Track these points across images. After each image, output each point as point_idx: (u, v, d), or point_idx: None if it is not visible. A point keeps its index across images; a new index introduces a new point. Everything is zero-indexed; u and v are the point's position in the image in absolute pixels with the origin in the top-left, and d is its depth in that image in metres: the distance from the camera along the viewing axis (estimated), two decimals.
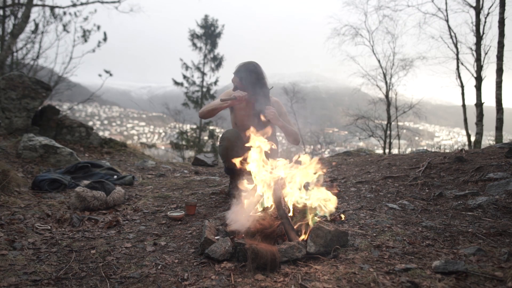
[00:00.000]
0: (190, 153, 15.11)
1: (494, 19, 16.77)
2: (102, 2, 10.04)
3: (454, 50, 10.70)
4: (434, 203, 2.62)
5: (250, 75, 2.64)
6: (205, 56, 16.50)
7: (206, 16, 16.57)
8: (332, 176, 3.81)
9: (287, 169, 2.02)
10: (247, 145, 2.11)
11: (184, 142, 15.75)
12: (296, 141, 2.74)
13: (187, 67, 16.53)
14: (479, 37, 9.28)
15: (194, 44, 16.44)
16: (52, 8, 10.05)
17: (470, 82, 10.88)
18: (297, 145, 2.86)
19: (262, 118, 2.57)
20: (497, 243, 1.77)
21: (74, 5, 10.07)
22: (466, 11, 10.95)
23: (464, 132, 10.20)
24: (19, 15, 9.26)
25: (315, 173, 1.98)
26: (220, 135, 2.92)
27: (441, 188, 2.92)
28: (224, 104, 2.61)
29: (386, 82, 15.26)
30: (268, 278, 1.45)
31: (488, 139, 10.00)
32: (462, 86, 10.62)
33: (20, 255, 1.71)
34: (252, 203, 2.04)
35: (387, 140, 14.91)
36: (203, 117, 2.76)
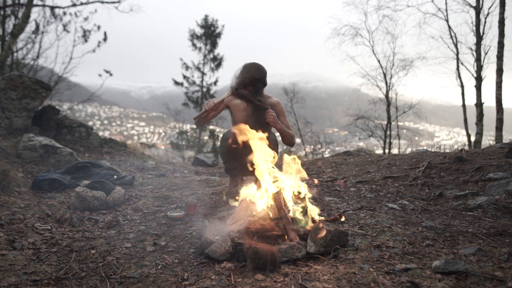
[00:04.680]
0: (190, 153, 15.10)
1: (494, 19, 16.78)
2: (102, 2, 10.03)
3: (454, 50, 10.71)
4: (434, 203, 2.62)
5: (252, 75, 2.67)
6: (205, 56, 16.50)
7: (206, 16, 16.56)
8: (332, 176, 3.81)
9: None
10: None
11: (184, 142, 15.75)
12: (291, 144, 2.82)
13: (187, 67, 16.52)
14: (479, 37, 9.28)
15: (194, 44, 16.43)
16: (52, 8, 10.05)
17: (470, 82, 10.89)
18: (291, 146, 2.93)
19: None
20: (497, 243, 1.77)
21: (74, 5, 10.07)
22: (466, 11, 10.99)
23: (464, 132, 10.21)
24: (19, 15, 9.25)
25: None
26: (221, 135, 2.94)
27: (441, 188, 2.91)
28: (198, 116, 2.76)
29: (386, 82, 15.26)
30: (268, 278, 1.45)
31: (488, 139, 10.00)
32: (462, 86, 10.62)
33: (20, 255, 1.71)
34: (252, 203, 2.04)
35: (387, 140, 14.90)
36: (196, 126, 2.97)
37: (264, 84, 2.77)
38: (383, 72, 15.26)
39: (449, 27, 10.79)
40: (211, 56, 16.54)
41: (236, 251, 1.63)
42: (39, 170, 3.97)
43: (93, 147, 5.83)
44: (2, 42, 9.36)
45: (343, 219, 2.19)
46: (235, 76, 2.80)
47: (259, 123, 2.64)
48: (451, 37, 10.74)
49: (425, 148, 8.13)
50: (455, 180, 3.06)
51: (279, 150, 3.09)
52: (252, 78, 2.68)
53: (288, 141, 2.78)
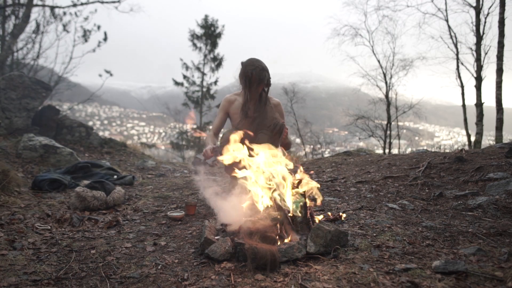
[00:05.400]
0: (190, 153, 15.10)
1: (494, 19, 16.77)
2: (102, 2, 10.03)
3: (454, 50, 10.71)
4: (434, 203, 2.62)
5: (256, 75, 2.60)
6: (205, 56, 16.50)
7: (206, 16, 16.56)
8: (332, 176, 3.81)
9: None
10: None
11: (184, 142, 15.75)
12: (287, 149, 2.83)
13: (187, 67, 16.53)
14: (479, 37, 9.28)
15: (194, 44, 16.44)
16: (52, 8, 10.04)
17: (470, 82, 10.89)
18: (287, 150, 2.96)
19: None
20: (497, 243, 1.77)
21: (74, 5, 10.06)
22: (466, 11, 10.96)
23: (464, 132, 10.20)
24: (20, 15, 9.25)
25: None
26: (221, 135, 2.92)
27: (441, 188, 2.92)
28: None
29: (386, 82, 15.26)
30: (268, 278, 1.45)
31: (488, 139, 10.00)
32: (462, 86, 10.62)
33: (20, 255, 1.71)
34: (252, 203, 2.04)
35: (387, 140, 14.90)
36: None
37: (265, 77, 2.64)
38: (383, 72, 15.26)
39: (449, 27, 10.79)
40: (211, 56, 16.54)
41: (236, 251, 1.63)
42: (39, 170, 3.97)
43: (93, 147, 5.84)
44: (2, 42, 9.36)
45: (343, 218, 2.19)
46: (239, 79, 2.71)
47: (261, 126, 2.65)
48: (451, 37, 10.75)
49: (425, 148, 8.13)
50: (455, 180, 3.06)
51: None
52: (258, 77, 2.57)
53: (285, 147, 2.82)
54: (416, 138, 19.16)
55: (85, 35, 10.44)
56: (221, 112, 2.81)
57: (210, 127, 16.26)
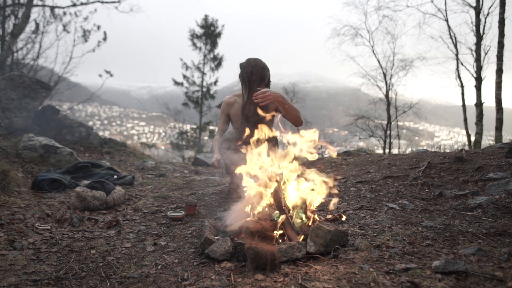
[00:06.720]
0: (190, 153, 15.11)
1: (494, 19, 16.77)
2: (102, 2, 10.04)
3: (454, 50, 10.72)
4: (434, 203, 2.62)
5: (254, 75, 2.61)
6: (205, 56, 16.50)
7: (206, 16, 16.56)
8: (332, 176, 3.81)
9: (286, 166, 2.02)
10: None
11: (184, 142, 15.76)
12: (298, 120, 2.54)
13: (187, 67, 16.52)
14: (479, 37, 9.28)
15: (194, 44, 16.44)
16: (52, 8, 10.05)
17: (470, 82, 10.93)
18: (300, 125, 2.62)
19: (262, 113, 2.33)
20: (497, 243, 1.77)
21: (74, 5, 10.07)
22: (466, 11, 10.96)
23: (464, 132, 10.22)
24: (19, 15, 9.26)
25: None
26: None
27: (441, 188, 2.92)
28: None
29: (386, 82, 15.28)
30: (268, 278, 1.45)
31: (488, 139, 10.01)
32: (462, 86, 10.63)
33: (20, 255, 1.71)
34: (252, 203, 2.04)
35: (387, 140, 14.92)
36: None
37: (267, 76, 2.65)
38: (383, 72, 15.29)
39: (449, 27, 10.81)
40: (211, 56, 16.54)
41: (236, 251, 1.63)
42: (39, 170, 3.97)
43: (93, 147, 5.83)
44: (2, 42, 9.36)
45: (343, 218, 2.19)
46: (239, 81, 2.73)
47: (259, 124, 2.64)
48: (451, 37, 10.77)
49: (425, 148, 8.13)
50: (455, 180, 3.06)
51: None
52: (255, 73, 2.59)
53: (295, 117, 2.51)
54: (416, 138, 19.19)
55: (85, 35, 10.44)
56: (223, 115, 2.88)
57: (211, 127, 16.30)
